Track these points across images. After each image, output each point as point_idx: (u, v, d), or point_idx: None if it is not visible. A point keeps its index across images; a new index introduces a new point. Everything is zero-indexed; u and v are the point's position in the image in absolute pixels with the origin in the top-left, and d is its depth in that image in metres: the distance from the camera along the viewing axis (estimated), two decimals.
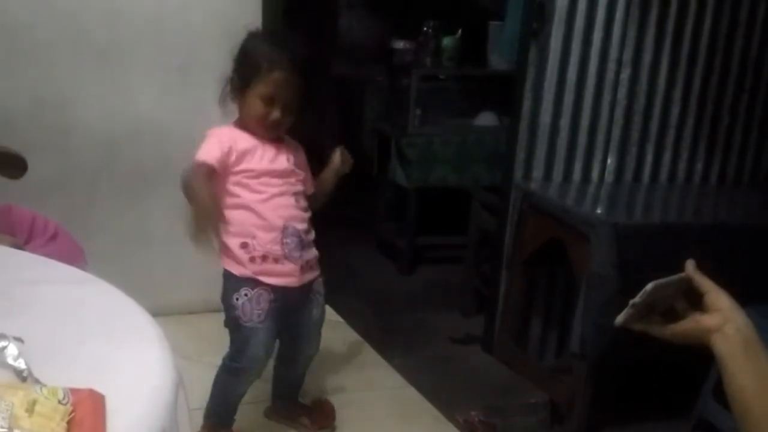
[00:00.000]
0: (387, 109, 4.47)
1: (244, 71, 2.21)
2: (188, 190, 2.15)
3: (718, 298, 1.18)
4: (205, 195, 2.12)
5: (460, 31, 4.18)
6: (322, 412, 2.61)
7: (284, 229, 2.25)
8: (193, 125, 3.16)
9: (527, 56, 2.99)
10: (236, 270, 2.26)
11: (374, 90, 4.72)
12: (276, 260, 2.25)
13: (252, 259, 2.24)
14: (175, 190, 3.16)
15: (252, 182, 2.23)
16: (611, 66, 3.02)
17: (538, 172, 3.07)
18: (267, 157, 2.25)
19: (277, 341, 2.42)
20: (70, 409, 0.97)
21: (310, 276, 2.35)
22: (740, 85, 3.21)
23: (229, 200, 2.24)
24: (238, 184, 2.23)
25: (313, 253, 2.35)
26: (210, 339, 2.92)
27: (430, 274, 4.19)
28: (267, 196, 2.24)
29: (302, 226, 2.30)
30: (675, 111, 3.15)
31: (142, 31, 3.04)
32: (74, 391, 1.00)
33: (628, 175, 3.16)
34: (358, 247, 4.38)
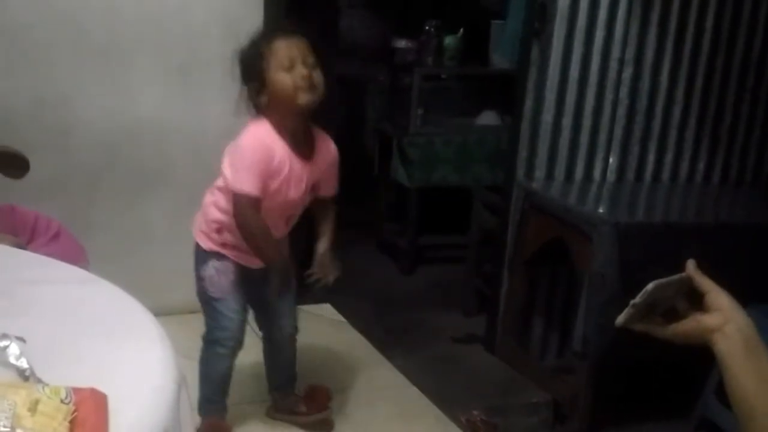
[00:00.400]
0: (389, 108, 4.47)
1: (252, 69, 2.19)
2: (251, 239, 2.23)
3: (718, 297, 1.18)
4: (275, 255, 2.25)
5: (461, 30, 4.17)
6: (316, 396, 2.64)
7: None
8: (194, 125, 3.18)
9: (529, 55, 2.99)
10: (205, 244, 2.32)
11: (376, 89, 4.71)
12: (246, 252, 2.30)
13: (223, 245, 2.31)
14: (175, 190, 3.18)
15: (267, 193, 2.22)
16: (613, 65, 3.02)
17: (540, 172, 3.06)
18: (291, 181, 2.23)
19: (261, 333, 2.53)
20: (73, 408, 0.97)
21: None
22: (742, 85, 3.21)
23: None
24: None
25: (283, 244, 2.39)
26: None
27: (432, 273, 4.19)
28: (262, 212, 2.23)
29: (280, 235, 2.35)
30: (677, 110, 3.15)
31: (143, 31, 3.04)
32: (76, 391, 1.00)
33: (630, 174, 3.16)
34: (359, 247, 4.37)
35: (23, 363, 1.08)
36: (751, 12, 3.15)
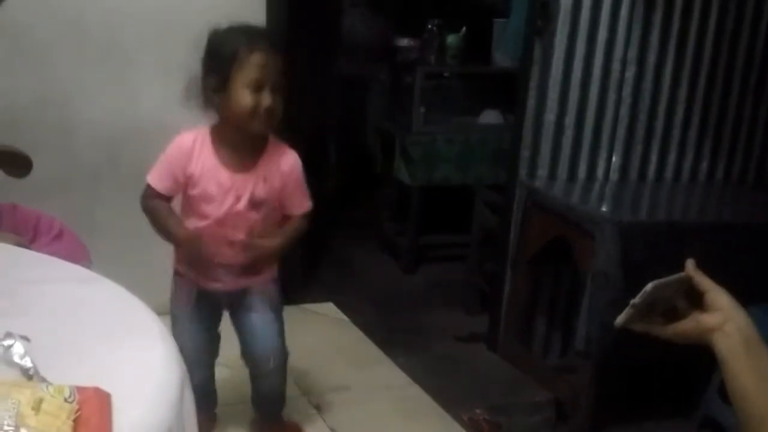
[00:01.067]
0: (391, 107, 4.46)
1: (220, 64, 2.06)
2: (155, 224, 2.17)
3: (718, 297, 1.18)
4: (179, 229, 2.14)
5: (464, 28, 4.17)
6: None
7: (207, 261, 2.19)
8: (196, 124, 3.18)
9: (532, 54, 2.99)
10: (172, 254, 2.26)
11: (378, 88, 4.71)
12: (201, 272, 2.21)
13: (179, 261, 2.25)
14: None
15: (194, 206, 2.15)
16: (616, 64, 3.02)
17: (542, 170, 3.06)
18: (219, 194, 2.11)
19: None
20: (76, 407, 0.97)
21: (245, 282, 2.25)
22: (746, 83, 3.21)
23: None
24: (186, 199, 2.18)
25: (252, 270, 2.22)
26: None
27: (434, 272, 4.19)
28: (200, 228, 2.14)
29: (232, 261, 2.18)
30: (680, 109, 3.15)
31: (145, 30, 3.04)
32: (80, 390, 1.00)
33: (633, 173, 3.16)
34: (361, 246, 4.38)
35: (27, 362, 1.08)
36: (755, 11, 3.14)
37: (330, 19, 4.81)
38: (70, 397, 0.98)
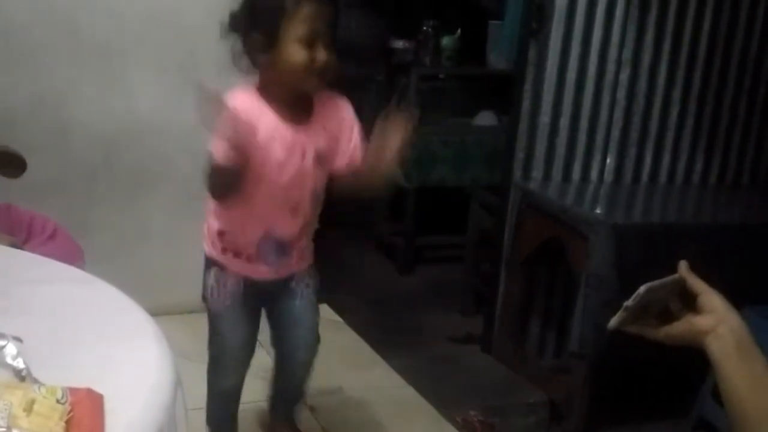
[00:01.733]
0: (386, 108, 4.46)
1: (267, 20, 1.86)
2: (221, 182, 1.89)
3: (711, 299, 1.18)
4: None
5: (459, 30, 4.18)
6: None
7: (264, 236, 2.01)
8: (192, 124, 3.17)
9: (526, 56, 2.99)
10: (208, 250, 2.08)
11: (373, 89, 4.71)
12: (248, 259, 2.04)
13: (224, 250, 2.05)
14: (173, 189, 3.18)
15: (258, 174, 1.91)
16: (610, 66, 3.02)
17: (537, 172, 3.07)
18: (283, 151, 1.91)
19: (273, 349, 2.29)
20: (69, 408, 0.97)
21: (288, 270, 2.12)
22: (740, 86, 3.21)
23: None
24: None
25: (300, 251, 2.10)
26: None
27: (429, 273, 4.19)
28: (255, 201, 1.95)
29: (289, 234, 2.04)
30: (674, 111, 3.15)
31: (141, 30, 3.04)
32: (73, 391, 1.00)
33: (628, 175, 3.16)
34: (356, 247, 4.38)
35: (20, 363, 1.07)
36: (749, 13, 3.15)
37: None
38: (62, 398, 0.97)
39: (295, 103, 1.96)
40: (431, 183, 4.09)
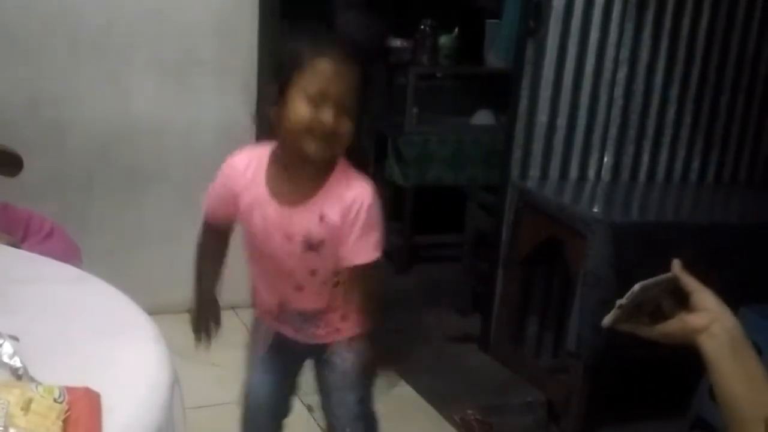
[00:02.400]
0: (384, 107, 4.46)
1: (280, 71, 1.70)
2: (196, 257, 1.87)
3: (704, 297, 1.17)
4: (201, 288, 1.86)
5: (457, 29, 4.18)
6: None
7: (280, 303, 1.87)
8: (189, 123, 3.18)
9: (524, 55, 2.99)
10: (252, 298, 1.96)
11: (371, 88, 4.70)
12: (275, 318, 1.91)
13: (255, 303, 1.96)
14: (170, 188, 3.18)
15: (248, 241, 1.81)
16: (608, 65, 3.02)
17: (534, 171, 3.07)
18: (268, 229, 1.74)
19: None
20: (66, 407, 0.97)
21: (317, 339, 1.92)
22: (737, 84, 3.22)
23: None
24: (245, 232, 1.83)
25: (328, 323, 1.89)
26: None
27: (427, 273, 4.19)
28: (258, 268, 1.85)
29: (308, 307, 1.85)
30: (671, 110, 3.16)
31: (138, 29, 3.04)
32: (70, 390, 1.00)
33: (625, 173, 3.17)
34: None
35: (16, 362, 1.07)
36: (746, 12, 3.15)
37: (322, 20, 4.80)
38: (59, 397, 0.97)
39: (299, 177, 1.73)
40: (428, 182, 4.10)
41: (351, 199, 1.72)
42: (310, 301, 1.83)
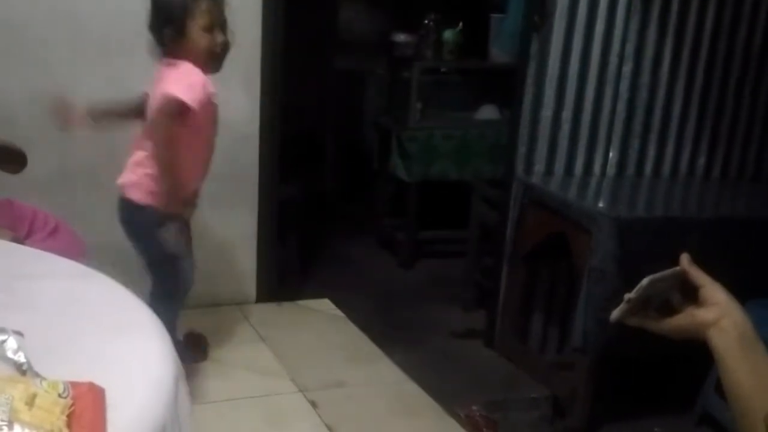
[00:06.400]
0: (388, 102, 4.46)
1: (174, 15, 2.36)
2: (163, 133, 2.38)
3: (713, 291, 1.17)
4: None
5: (461, 24, 4.16)
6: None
7: (197, 189, 2.52)
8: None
9: (529, 49, 2.98)
10: (162, 205, 2.41)
11: (375, 83, 4.70)
12: (190, 203, 2.50)
13: (175, 201, 2.42)
14: None
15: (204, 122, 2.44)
16: (613, 59, 3.01)
17: (539, 166, 3.06)
18: (214, 116, 2.48)
19: None
20: (70, 402, 0.97)
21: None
22: (743, 79, 3.20)
23: (187, 138, 2.39)
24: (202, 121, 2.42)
25: None
26: (210, 333, 2.93)
27: (431, 268, 4.19)
28: (192, 158, 2.41)
29: (197, 184, 2.54)
30: (677, 104, 3.14)
31: (141, 24, 3.02)
32: (74, 385, 0.99)
33: (631, 168, 3.16)
34: (358, 241, 4.37)
35: (21, 357, 1.07)
36: (752, 6, 3.14)
37: (327, 15, 4.80)
38: (64, 392, 0.97)
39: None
40: (433, 177, 4.09)
41: None
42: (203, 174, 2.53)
